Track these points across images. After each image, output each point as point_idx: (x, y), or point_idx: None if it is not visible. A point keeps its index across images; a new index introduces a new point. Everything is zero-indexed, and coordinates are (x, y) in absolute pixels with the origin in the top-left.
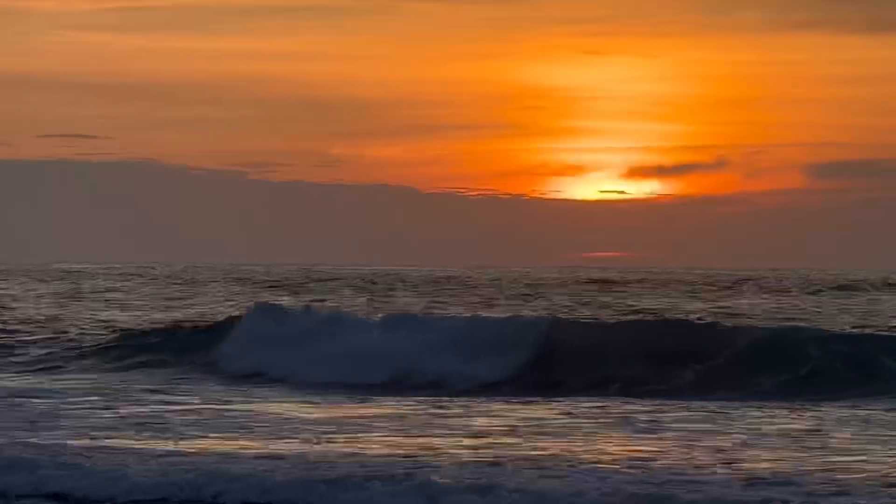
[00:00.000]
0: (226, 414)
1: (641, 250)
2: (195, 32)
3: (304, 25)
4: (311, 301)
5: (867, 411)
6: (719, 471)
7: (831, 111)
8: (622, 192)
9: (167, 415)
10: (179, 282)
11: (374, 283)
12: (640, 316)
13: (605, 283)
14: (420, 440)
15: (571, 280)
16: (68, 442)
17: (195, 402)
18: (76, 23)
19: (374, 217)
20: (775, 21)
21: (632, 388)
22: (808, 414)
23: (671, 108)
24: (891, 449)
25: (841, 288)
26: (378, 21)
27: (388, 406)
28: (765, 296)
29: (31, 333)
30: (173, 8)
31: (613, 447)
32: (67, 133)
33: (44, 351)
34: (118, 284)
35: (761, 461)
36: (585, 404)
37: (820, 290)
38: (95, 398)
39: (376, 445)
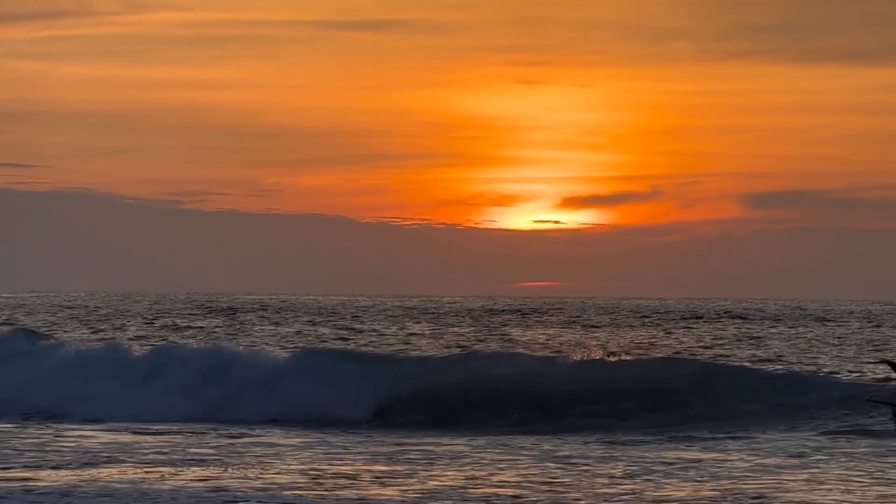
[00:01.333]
0: None
1: (575, 280)
2: (130, 62)
3: (240, 55)
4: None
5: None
6: None
7: (765, 141)
8: (556, 222)
9: None
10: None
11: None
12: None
13: (514, 314)
14: None
15: (484, 309)
16: None
17: None
18: (11, 51)
19: (308, 246)
20: (709, 51)
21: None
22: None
23: (606, 138)
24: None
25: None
26: (313, 50)
27: None
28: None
29: None
30: (108, 37)
31: None
32: (2, 162)
33: None
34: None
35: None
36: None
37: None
38: None
39: None
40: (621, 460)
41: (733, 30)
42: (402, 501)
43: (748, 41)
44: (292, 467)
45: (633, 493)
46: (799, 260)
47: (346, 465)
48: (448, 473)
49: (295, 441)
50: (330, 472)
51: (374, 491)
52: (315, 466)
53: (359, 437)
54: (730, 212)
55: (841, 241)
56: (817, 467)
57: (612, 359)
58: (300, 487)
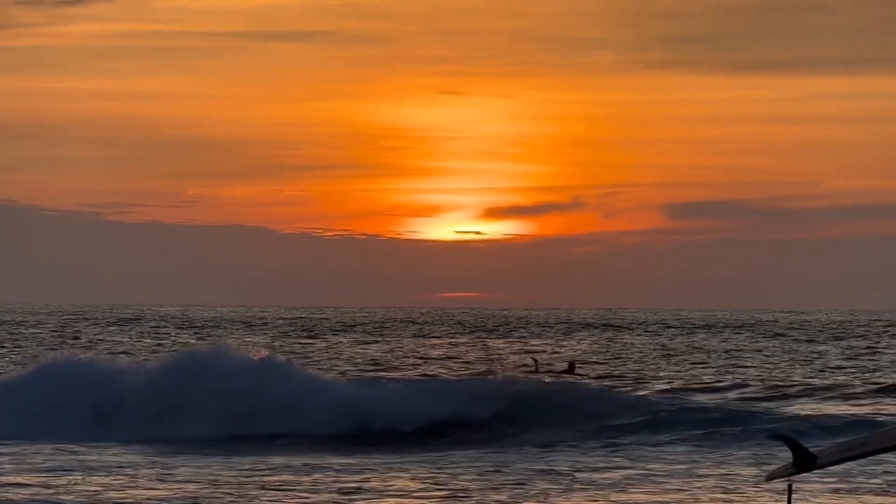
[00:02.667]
0: None
1: (496, 291)
2: (53, 73)
3: (161, 66)
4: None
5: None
6: None
7: (686, 151)
8: (478, 233)
9: None
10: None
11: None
12: None
13: (405, 323)
14: None
15: (395, 320)
16: None
17: None
18: None
19: (230, 257)
20: (630, 62)
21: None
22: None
23: (527, 149)
24: None
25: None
26: (235, 62)
27: None
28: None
29: None
30: (30, 49)
31: None
32: None
33: None
34: None
35: None
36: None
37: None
38: None
39: None
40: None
41: (654, 40)
42: None
43: (669, 51)
44: None
45: None
46: (719, 270)
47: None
48: None
49: None
50: None
51: None
52: None
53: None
54: (651, 222)
55: (761, 252)
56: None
57: None
58: None
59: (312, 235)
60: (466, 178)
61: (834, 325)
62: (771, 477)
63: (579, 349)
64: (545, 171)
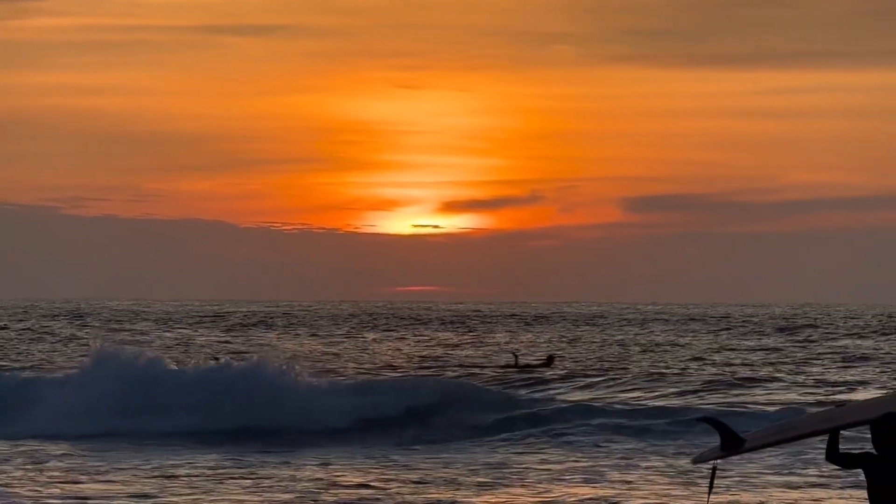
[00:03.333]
0: None
1: (455, 284)
2: (10, 68)
3: (120, 60)
4: None
5: None
6: None
7: (645, 145)
8: (436, 227)
9: None
10: None
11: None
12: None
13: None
14: None
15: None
16: None
17: None
18: None
19: (188, 251)
20: (590, 55)
21: None
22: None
23: (486, 143)
24: None
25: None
26: (194, 56)
27: None
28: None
29: None
30: None
31: None
32: None
33: None
34: None
35: None
36: None
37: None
38: None
39: None
40: None
41: (614, 34)
42: None
43: (629, 45)
44: None
45: None
46: (678, 264)
47: None
48: None
49: None
50: None
51: None
52: None
53: None
54: (609, 216)
55: (719, 245)
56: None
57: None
58: None
59: (271, 229)
60: (424, 172)
61: (784, 319)
62: (698, 460)
63: (538, 343)
64: (503, 164)
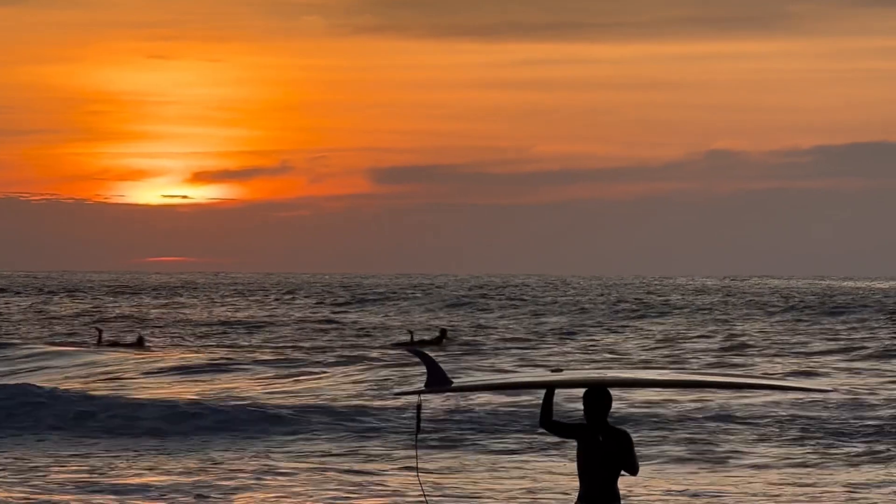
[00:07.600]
0: None
1: (205, 255)
2: None
3: None
4: None
5: None
6: None
7: (393, 116)
8: (185, 197)
9: None
10: None
11: None
12: None
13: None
14: None
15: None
16: None
17: None
18: None
19: None
20: (340, 26)
21: None
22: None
23: (236, 113)
24: None
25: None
26: None
27: None
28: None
29: None
30: None
31: None
32: None
33: None
34: None
35: None
36: None
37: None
38: None
39: None
40: None
41: (364, 5)
42: None
43: (378, 16)
44: None
45: None
46: (423, 235)
47: None
48: None
49: None
50: None
51: None
52: None
53: None
54: (357, 187)
55: (466, 217)
56: None
57: None
58: None
59: (18, 200)
60: (175, 142)
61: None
62: (401, 393)
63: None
64: (254, 135)
